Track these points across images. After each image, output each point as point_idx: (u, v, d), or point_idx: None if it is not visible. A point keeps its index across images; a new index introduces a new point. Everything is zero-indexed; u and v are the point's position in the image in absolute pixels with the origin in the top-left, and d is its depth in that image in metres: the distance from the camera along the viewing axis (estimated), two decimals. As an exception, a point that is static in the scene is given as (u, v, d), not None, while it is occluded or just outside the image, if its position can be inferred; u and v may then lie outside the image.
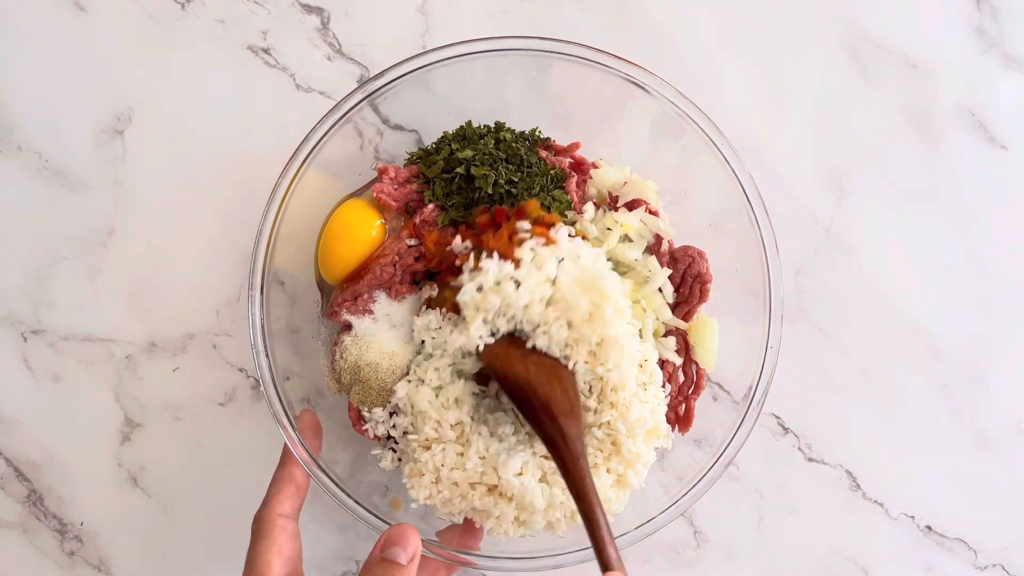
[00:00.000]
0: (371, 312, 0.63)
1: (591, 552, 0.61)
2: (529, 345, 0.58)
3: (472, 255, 0.60)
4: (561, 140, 0.67)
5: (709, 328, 0.66)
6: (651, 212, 0.66)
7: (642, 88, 0.63)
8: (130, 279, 0.72)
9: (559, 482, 0.60)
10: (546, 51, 0.63)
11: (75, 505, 0.72)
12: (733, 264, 0.66)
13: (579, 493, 0.54)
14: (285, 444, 0.61)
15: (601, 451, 0.61)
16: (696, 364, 0.66)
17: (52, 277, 0.72)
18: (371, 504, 0.62)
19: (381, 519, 0.62)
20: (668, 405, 0.65)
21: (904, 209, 0.74)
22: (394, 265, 0.63)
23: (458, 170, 0.63)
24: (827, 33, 0.74)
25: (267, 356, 0.62)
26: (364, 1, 0.73)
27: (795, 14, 0.74)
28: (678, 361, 0.66)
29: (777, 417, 0.73)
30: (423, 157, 0.65)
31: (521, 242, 0.59)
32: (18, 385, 0.72)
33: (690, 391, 0.66)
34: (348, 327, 0.63)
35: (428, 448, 0.60)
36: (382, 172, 0.65)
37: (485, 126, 0.65)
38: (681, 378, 0.66)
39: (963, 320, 0.74)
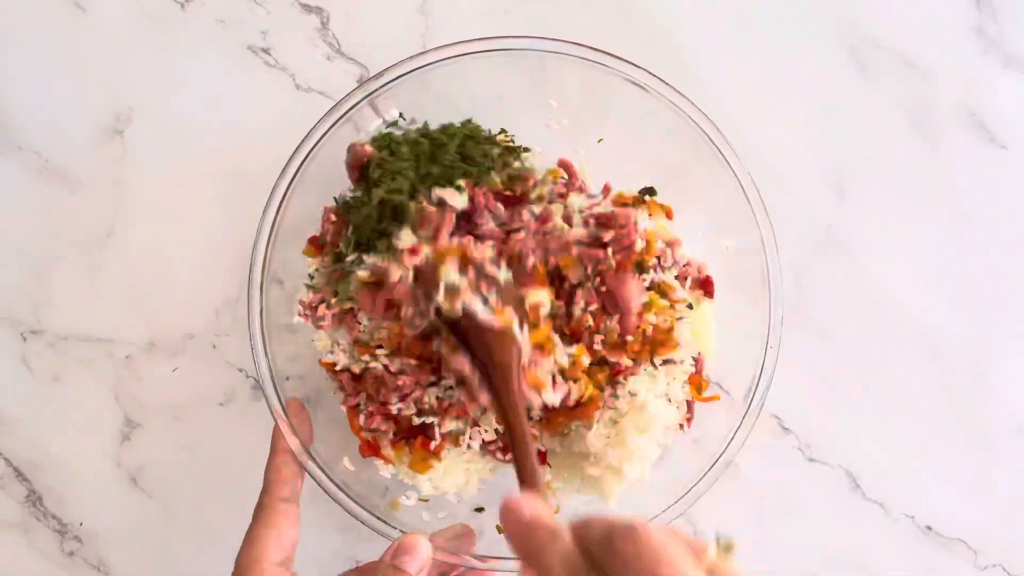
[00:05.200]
0: None
1: None
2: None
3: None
4: (560, 140, 0.67)
5: (704, 315, 0.65)
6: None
7: (642, 88, 0.63)
8: (130, 279, 0.72)
9: None
10: (546, 51, 0.63)
11: (75, 505, 0.72)
12: (733, 265, 0.66)
13: (508, 417, 0.56)
14: (275, 431, 0.61)
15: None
16: (693, 357, 0.66)
17: (52, 277, 0.72)
18: (371, 505, 0.62)
19: (381, 520, 0.62)
20: None
21: (904, 209, 0.74)
22: None
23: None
24: (827, 33, 0.74)
25: (266, 356, 0.62)
26: (364, 1, 0.73)
27: (795, 14, 0.74)
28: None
29: (777, 417, 0.73)
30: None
31: None
32: (18, 385, 0.72)
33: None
34: None
35: None
36: None
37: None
38: None
39: (963, 320, 0.74)
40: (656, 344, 0.62)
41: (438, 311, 0.58)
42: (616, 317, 0.61)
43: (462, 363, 0.58)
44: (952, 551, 0.73)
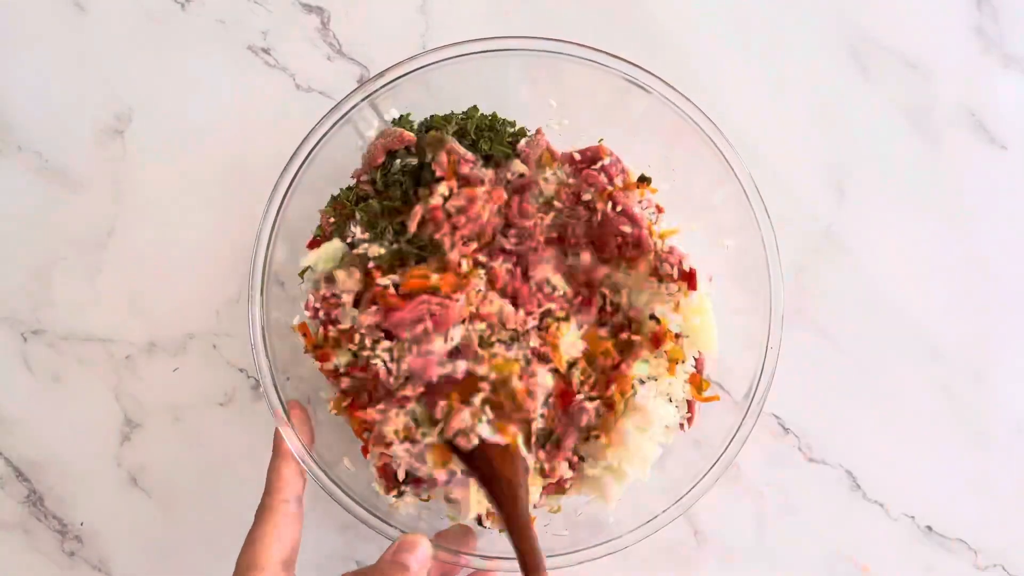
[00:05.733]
0: None
1: (588, 552, 0.61)
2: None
3: None
4: (559, 139, 0.67)
5: (705, 314, 0.65)
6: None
7: (642, 88, 0.63)
8: (130, 279, 0.72)
9: None
10: (546, 51, 0.63)
11: (75, 505, 0.72)
12: (734, 264, 0.66)
13: (515, 529, 0.56)
14: (277, 432, 0.61)
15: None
16: (695, 357, 0.66)
17: (52, 277, 0.72)
18: (371, 505, 0.62)
19: (381, 519, 0.62)
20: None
21: (904, 209, 0.74)
22: None
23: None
24: (827, 33, 0.74)
25: (267, 356, 0.62)
26: (364, 1, 0.73)
27: (795, 14, 0.74)
28: None
29: (777, 417, 0.73)
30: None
31: None
32: (18, 385, 0.72)
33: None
34: None
35: None
36: None
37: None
38: None
39: (963, 320, 0.74)
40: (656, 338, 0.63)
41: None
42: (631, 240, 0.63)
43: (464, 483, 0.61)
44: (952, 551, 0.73)
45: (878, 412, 0.73)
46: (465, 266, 0.61)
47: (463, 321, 0.61)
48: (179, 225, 0.72)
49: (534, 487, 0.62)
